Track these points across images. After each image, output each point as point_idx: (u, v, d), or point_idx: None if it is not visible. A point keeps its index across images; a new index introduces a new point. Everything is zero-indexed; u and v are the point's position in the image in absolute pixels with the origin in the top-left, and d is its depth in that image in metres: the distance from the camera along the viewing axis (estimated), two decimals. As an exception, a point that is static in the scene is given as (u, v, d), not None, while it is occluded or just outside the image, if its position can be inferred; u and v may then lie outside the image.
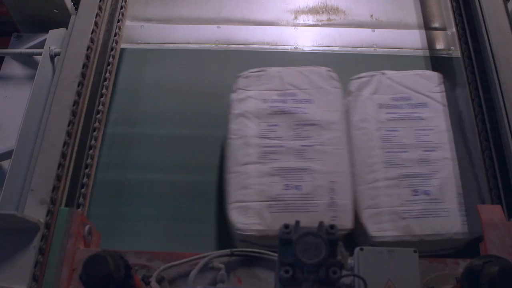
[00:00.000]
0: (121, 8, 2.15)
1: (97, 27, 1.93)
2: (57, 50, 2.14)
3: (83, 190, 1.64)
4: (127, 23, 2.38)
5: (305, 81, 2.01)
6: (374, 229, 1.71)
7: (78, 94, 1.74)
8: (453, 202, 1.75)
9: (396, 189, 1.77)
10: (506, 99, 1.67)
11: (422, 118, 1.92)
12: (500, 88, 1.70)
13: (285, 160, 1.82)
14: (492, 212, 1.45)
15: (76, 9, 2.19)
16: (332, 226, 1.09)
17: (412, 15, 2.59)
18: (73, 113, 1.69)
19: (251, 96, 1.97)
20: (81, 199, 1.62)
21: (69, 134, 1.65)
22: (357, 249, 1.24)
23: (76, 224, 1.44)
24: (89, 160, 1.70)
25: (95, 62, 1.88)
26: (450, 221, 1.71)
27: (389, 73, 2.05)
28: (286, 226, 1.09)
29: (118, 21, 2.10)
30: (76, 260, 1.38)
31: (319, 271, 1.04)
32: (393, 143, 1.87)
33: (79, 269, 1.13)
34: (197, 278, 1.36)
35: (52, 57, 2.15)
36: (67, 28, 2.08)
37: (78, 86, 1.75)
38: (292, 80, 2.01)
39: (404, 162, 1.82)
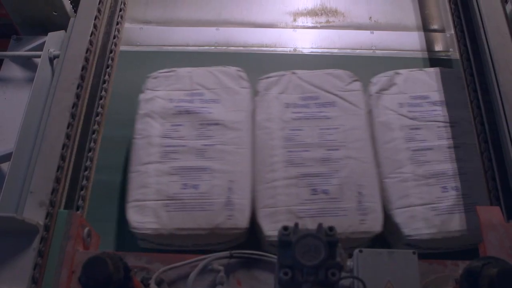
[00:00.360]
0: (120, 10, 2.15)
1: (96, 30, 1.93)
2: (56, 52, 2.14)
3: (82, 192, 1.64)
4: (127, 25, 2.38)
5: (214, 81, 2.02)
6: (269, 228, 1.70)
7: (77, 96, 1.74)
8: (352, 201, 1.74)
9: (295, 188, 1.77)
10: (504, 100, 1.67)
11: (328, 117, 1.92)
12: (499, 90, 1.70)
13: (185, 159, 1.83)
14: (491, 214, 1.45)
15: (75, 11, 2.19)
16: (331, 228, 1.09)
17: (411, 17, 2.60)
18: (72, 115, 1.69)
19: (158, 96, 1.98)
20: (80, 201, 1.62)
21: (68, 136, 1.65)
22: (356, 251, 1.24)
23: (75, 226, 1.44)
24: (88, 163, 1.70)
25: (94, 64, 1.88)
26: (348, 220, 1.71)
27: (300, 72, 2.05)
28: (285, 228, 1.09)
29: (117, 23, 2.10)
30: (75, 262, 1.38)
31: (318, 273, 1.04)
32: (295, 143, 1.86)
33: (79, 271, 1.13)
34: (197, 280, 1.36)
35: (51, 60, 2.16)
36: (66, 31, 2.08)
37: (77, 88, 1.75)
38: (201, 80, 2.02)
39: (305, 161, 1.82)
